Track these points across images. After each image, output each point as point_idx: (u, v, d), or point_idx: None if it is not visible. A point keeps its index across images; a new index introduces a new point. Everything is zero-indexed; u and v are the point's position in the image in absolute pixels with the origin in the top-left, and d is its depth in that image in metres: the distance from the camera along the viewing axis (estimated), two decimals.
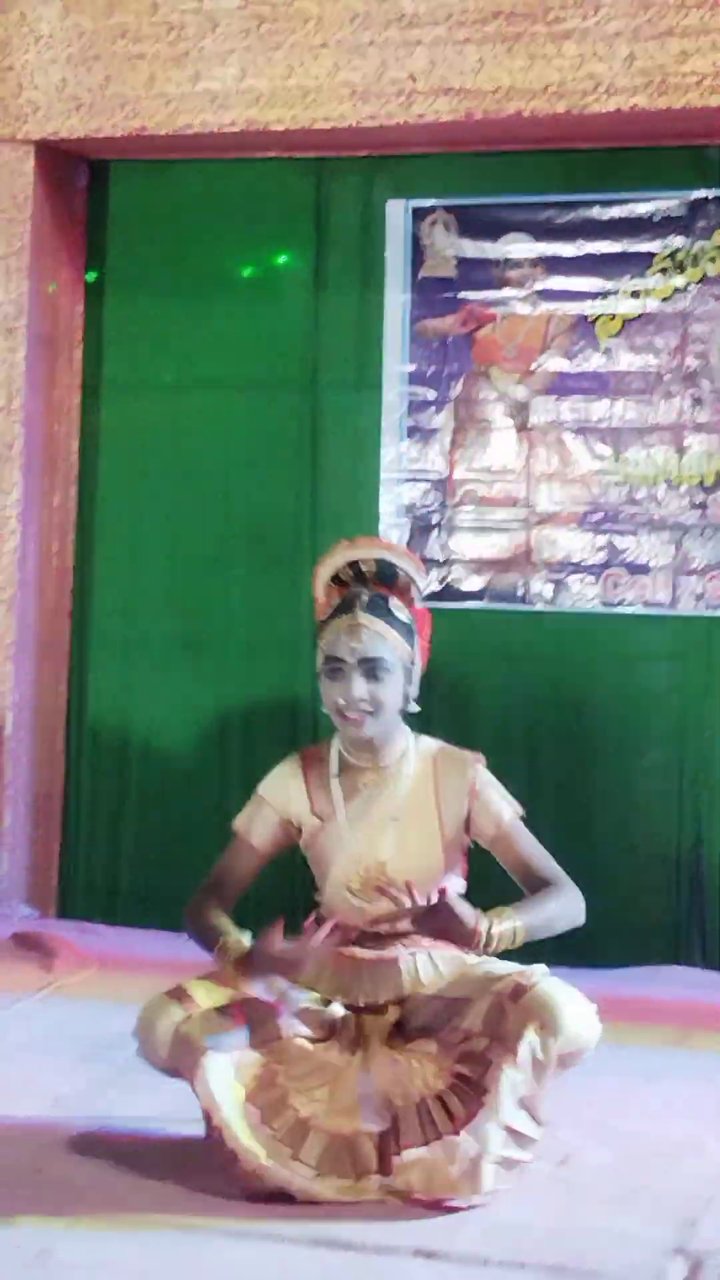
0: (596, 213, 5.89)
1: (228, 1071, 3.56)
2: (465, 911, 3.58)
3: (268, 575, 6.16)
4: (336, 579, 3.78)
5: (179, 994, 3.68)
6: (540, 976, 3.60)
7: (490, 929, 3.59)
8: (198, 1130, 3.87)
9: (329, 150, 6.13)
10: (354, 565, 3.76)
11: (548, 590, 5.91)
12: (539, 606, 5.93)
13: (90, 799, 6.38)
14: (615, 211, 5.87)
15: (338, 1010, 3.74)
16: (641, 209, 5.84)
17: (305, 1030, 3.68)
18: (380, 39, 5.79)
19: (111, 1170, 3.67)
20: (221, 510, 6.27)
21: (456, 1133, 3.47)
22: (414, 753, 3.78)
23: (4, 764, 6.18)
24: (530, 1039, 3.50)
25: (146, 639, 6.36)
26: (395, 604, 3.73)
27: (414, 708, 3.77)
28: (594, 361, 5.89)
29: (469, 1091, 3.52)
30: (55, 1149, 3.79)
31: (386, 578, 3.76)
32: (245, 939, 3.70)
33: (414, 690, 3.76)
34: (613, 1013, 5.05)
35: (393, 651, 3.68)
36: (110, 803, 6.36)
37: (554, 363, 5.92)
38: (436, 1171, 3.45)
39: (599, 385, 5.88)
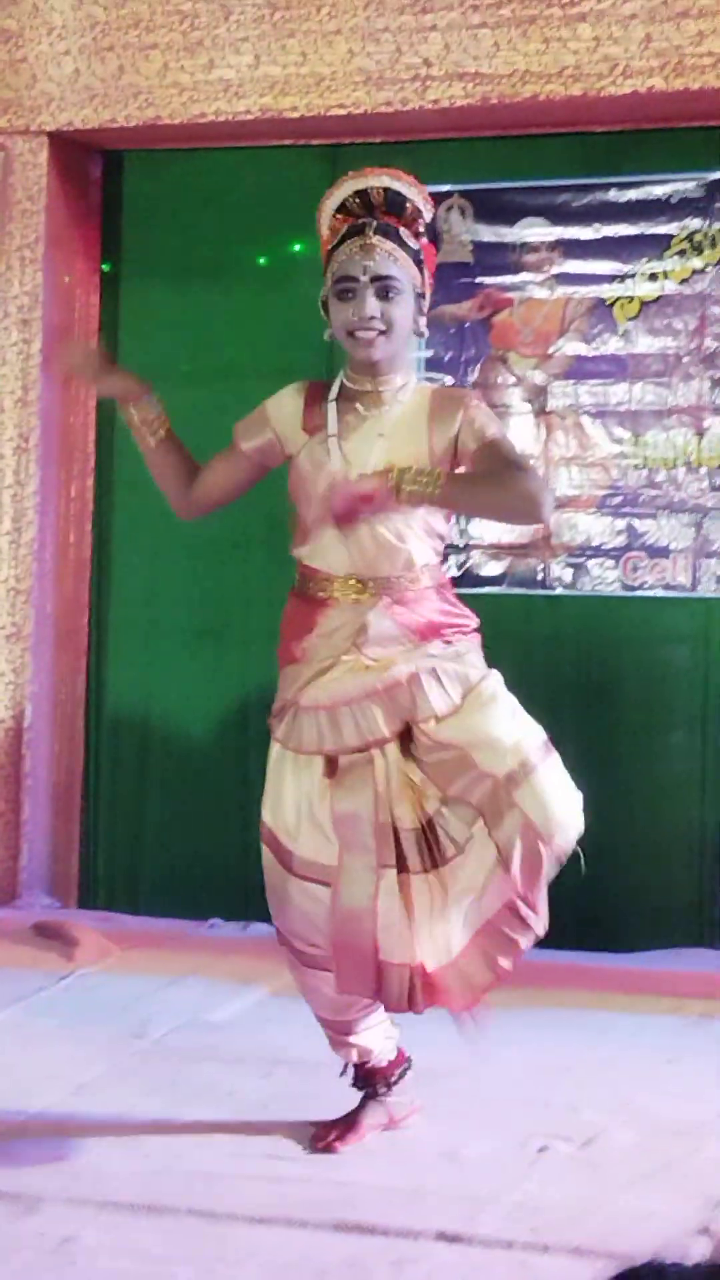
0: (613, 195, 5.87)
1: None
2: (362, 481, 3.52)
3: (285, 562, 6.06)
4: (343, 209, 3.67)
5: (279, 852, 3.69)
6: (536, 763, 3.54)
7: (400, 476, 3.49)
8: (219, 1115, 3.88)
9: (344, 137, 6.11)
10: (361, 194, 3.65)
11: (567, 574, 5.89)
12: (559, 591, 5.91)
13: (110, 789, 6.38)
14: (632, 194, 5.85)
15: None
16: (658, 191, 5.82)
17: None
18: (394, 24, 5.78)
19: (133, 1157, 3.67)
20: (239, 499, 6.24)
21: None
22: (413, 385, 3.71)
23: (23, 755, 6.17)
24: (519, 846, 3.49)
25: (165, 628, 6.36)
26: (404, 232, 3.64)
27: (423, 333, 3.72)
28: (612, 344, 5.86)
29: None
30: (78, 1136, 3.79)
31: (395, 207, 3.65)
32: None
33: (422, 320, 3.70)
34: (637, 994, 5.10)
35: (404, 272, 3.61)
36: (130, 792, 6.35)
37: (572, 346, 5.90)
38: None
39: (617, 368, 5.86)
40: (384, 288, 3.59)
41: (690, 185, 5.80)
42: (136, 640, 6.38)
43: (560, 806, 3.54)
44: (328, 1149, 3.67)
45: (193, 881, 6.19)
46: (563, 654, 5.94)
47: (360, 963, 3.54)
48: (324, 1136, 3.71)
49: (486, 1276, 3.07)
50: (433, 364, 6.00)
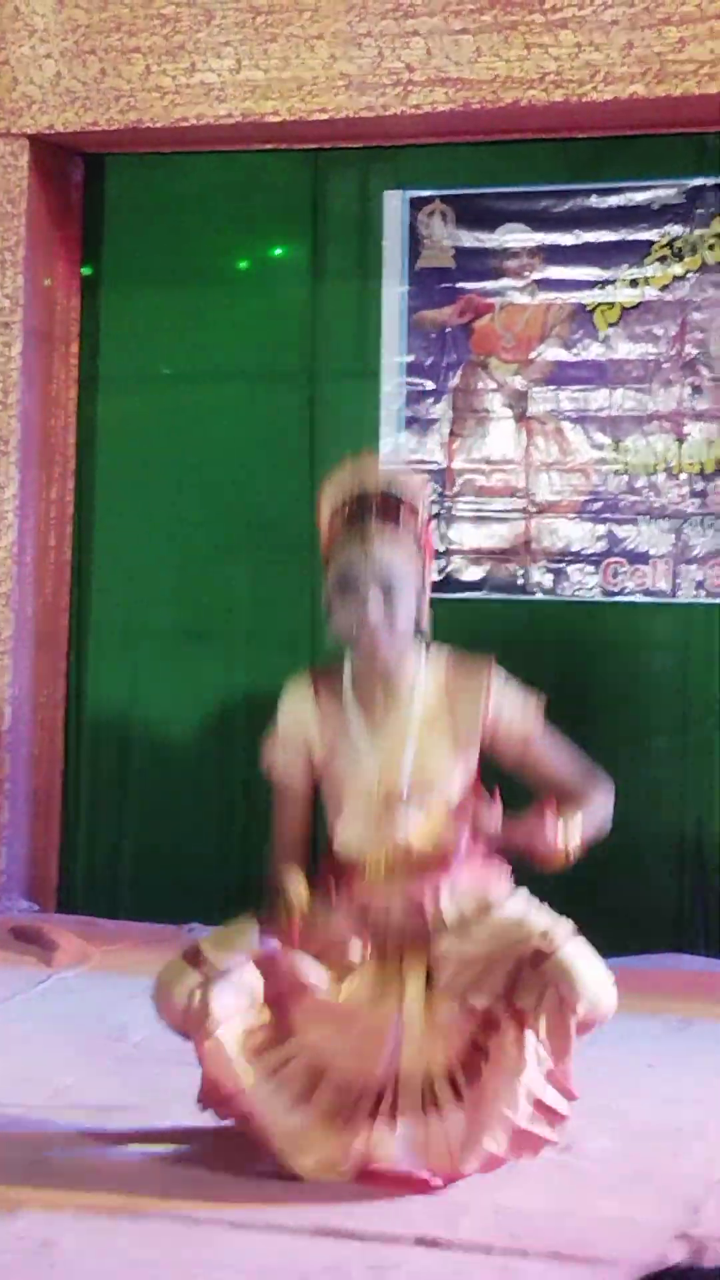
0: (594, 201, 5.88)
1: (235, 1037, 3.59)
2: (552, 828, 3.58)
3: (267, 567, 6.15)
4: (342, 511, 3.69)
5: (194, 957, 3.64)
6: (562, 941, 3.57)
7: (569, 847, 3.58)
8: (200, 1120, 3.88)
9: (326, 141, 6.12)
10: (359, 497, 3.67)
11: (548, 580, 5.90)
12: (539, 596, 5.92)
13: (90, 793, 6.37)
14: (613, 200, 5.86)
15: (356, 952, 3.67)
16: (640, 197, 5.83)
17: (322, 978, 3.64)
18: (376, 29, 5.78)
19: (113, 1160, 3.67)
20: (220, 502, 6.26)
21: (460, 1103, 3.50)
22: (424, 667, 3.70)
23: (3, 758, 6.17)
24: (546, 1012, 3.51)
25: (145, 632, 6.35)
26: (404, 529, 3.65)
27: (425, 627, 3.70)
28: (593, 350, 5.87)
29: (480, 1062, 3.53)
30: (57, 1139, 3.79)
31: (392, 506, 3.66)
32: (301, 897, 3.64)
33: (425, 611, 3.69)
34: (617, 1000, 5.09)
35: (405, 570, 3.62)
36: (110, 796, 6.35)
37: (552, 352, 5.91)
38: (432, 1143, 3.47)
39: (598, 374, 5.87)
40: (388, 588, 3.59)
41: (671, 192, 5.81)
42: (117, 644, 6.37)
43: (590, 977, 3.58)
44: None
45: (171, 885, 6.18)
46: (542, 660, 5.91)
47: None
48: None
49: None
50: (413, 369, 6.01)
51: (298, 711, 3.76)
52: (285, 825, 3.82)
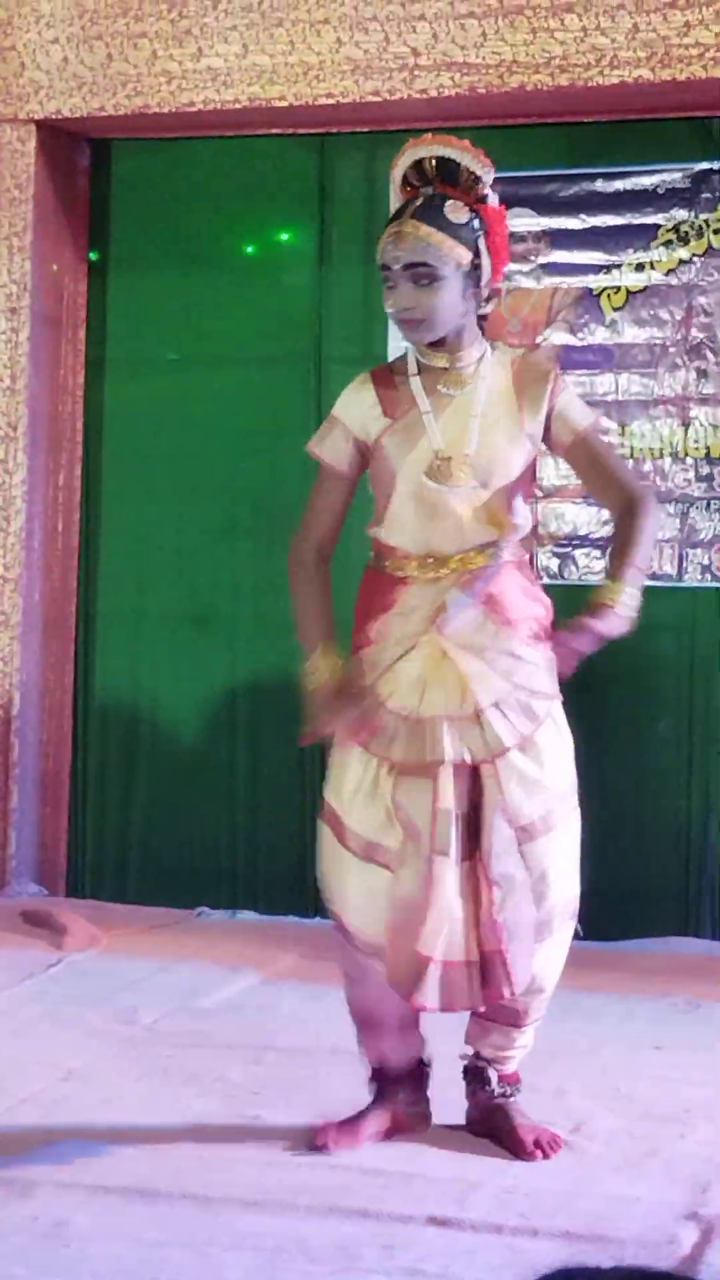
0: (600, 186, 5.89)
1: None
2: (605, 627, 3.57)
3: (273, 551, 6.09)
4: (406, 182, 3.61)
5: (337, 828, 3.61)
6: (554, 825, 3.57)
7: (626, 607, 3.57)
8: (210, 1103, 3.90)
9: (332, 126, 6.12)
10: (417, 165, 3.58)
11: (554, 564, 5.91)
12: (546, 580, 5.91)
13: (98, 777, 6.39)
14: (619, 184, 5.86)
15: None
16: (645, 181, 5.83)
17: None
18: (382, 14, 5.78)
19: (125, 1141, 3.68)
20: (227, 486, 6.27)
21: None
22: (491, 357, 3.65)
23: (12, 743, 6.19)
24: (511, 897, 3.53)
25: (153, 616, 6.36)
26: (452, 205, 3.54)
27: (487, 308, 3.66)
28: (599, 334, 5.88)
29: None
30: (69, 1122, 3.81)
31: (448, 176, 3.58)
32: (330, 666, 3.60)
33: (485, 291, 3.61)
34: (623, 982, 5.13)
35: (442, 256, 3.51)
36: (118, 780, 6.36)
37: (559, 336, 5.92)
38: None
39: (604, 358, 5.88)
40: (417, 274, 3.52)
41: (677, 176, 5.81)
42: (125, 628, 6.39)
43: (560, 873, 3.57)
44: (321, 1149, 3.61)
45: (181, 869, 6.21)
46: None
47: (408, 953, 3.49)
48: (322, 1137, 3.64)
49: (476, 1260, 3.09)
50: None
51: (356, 397, 3.66)
52: (318, 514, 3.71)
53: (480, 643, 3.57)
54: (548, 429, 3.64)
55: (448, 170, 3.58)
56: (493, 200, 3.63)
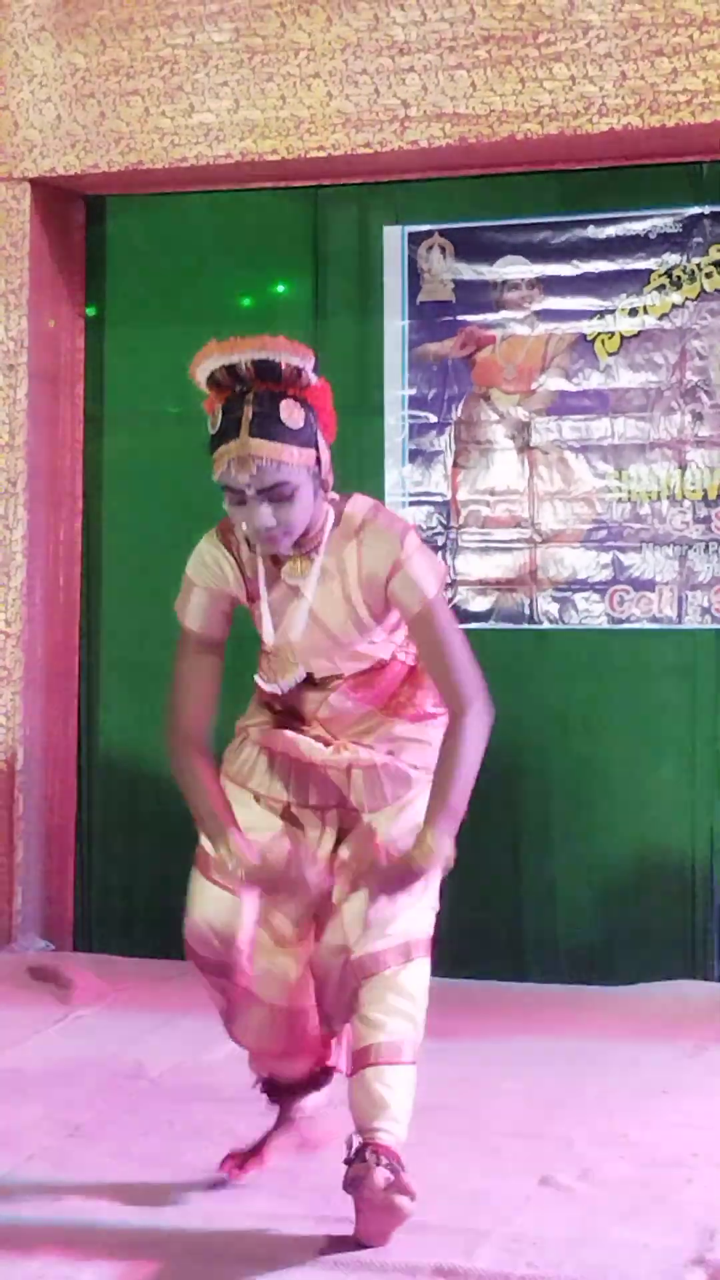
0: (592, 232, 5.92)
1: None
2: (414, 870, 3.46)
3: None
4: (214, 382, 3.44)
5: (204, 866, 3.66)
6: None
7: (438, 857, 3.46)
8: (217, 1156, 3.89)
9: (324, 179, 6.16)
10: (229, 368, 3.40)
11: (554, 609, 5.92)
12: (546, 625, 5.94)
13: (103, 830, 6.39)
14: (611, 230, 5.89)
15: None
16: (637, 227, 5.86)
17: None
18: (372, 67, 5.83)
19: (131, 1197, 3.68)
20: None
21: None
22: (330, 524, 3.51)
23: (16, 798, 6.19)
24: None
25: (155, 669, 6.30)
26: (286, 407, 3.40)
27: (328, 487, 3.50)
28: (594, 380, 5.90)
29: None
30: (75, 1177, 3.80)
31: (267, 374, 3.41)
32: (232, 850, 3.55)
33: (328, 476, 3.49)
34: (628, 1026, 5.12)
35: (294, 470, 3.39)
36: (123, 833, 6.36)
37: (554, 382, 5.94)
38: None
39: (599, 403, 5.90)
40: (273, 494, 3.40)
41: (668, 221, 5.84)
42: (127, 681, 6.40)
43: (377, 927, 3.53)
44: (230, 1174, 3.69)
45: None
46: (550, 688, 5.96)
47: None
48: (225, 1166, 3.72)
49: None
50: (415, 402, 6.04)
51: (214, 560, 3.60)
52: (187, 692, 3.69)
53: (361, 729, 3.64)
54: (387, 592, 3.51)
55: (266, 369, 3.41)
56: (313, 379, 3.47)
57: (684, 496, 5.80)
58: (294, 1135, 3.78)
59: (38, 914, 6.24)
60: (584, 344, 5.92)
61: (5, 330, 6.25)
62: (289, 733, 3.67)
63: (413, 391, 6.07)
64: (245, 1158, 3.74)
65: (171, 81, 6.03)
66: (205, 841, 3.64)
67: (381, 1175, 3.33)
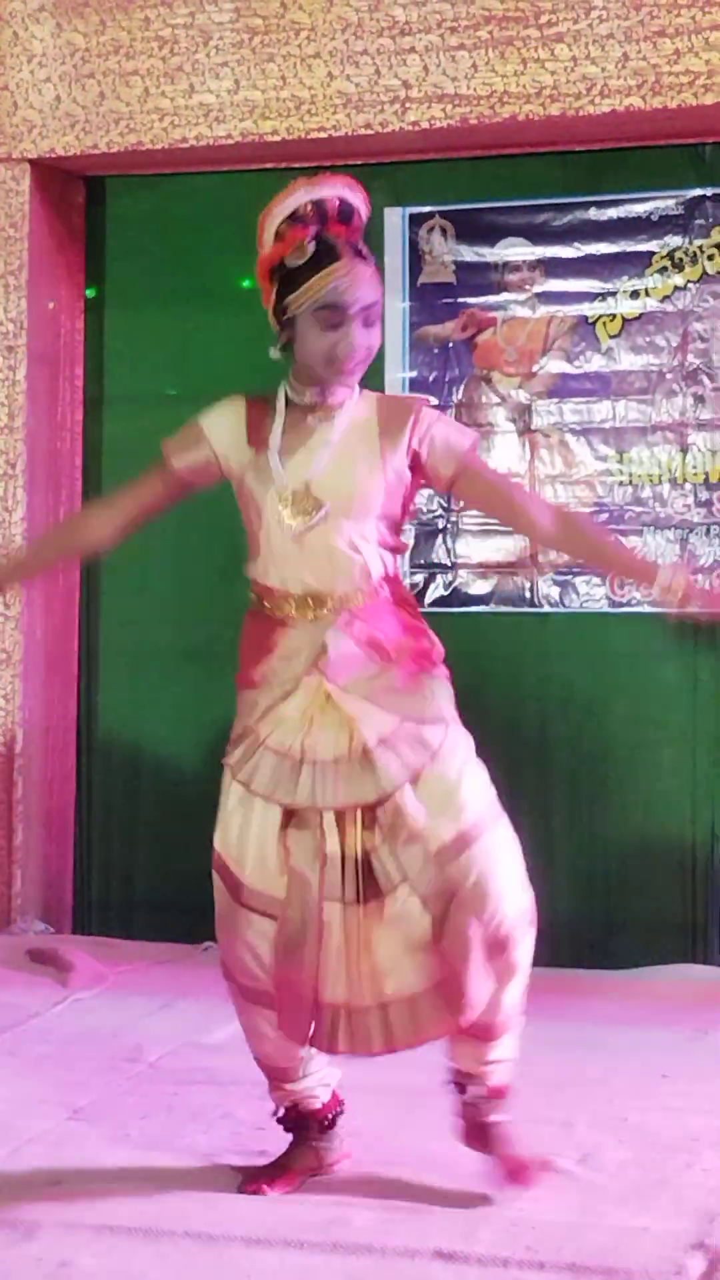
0: (594, 214, 5.90)
1: None
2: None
3: None
4: (296, 218, 3.52)
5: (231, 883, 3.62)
6: (478, 835, 3.48)
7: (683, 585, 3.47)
8: (216, 1140, 3.88)
9: (325, 160, 6.10)
10: (316, 204, 3.51)
11: (554, 592, 5.91)
12: (546, 608, 5.93)
13: (102, 813, 6.39)
14: (612, 212, 5.88)
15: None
16: (639, 209, 5.85)
17: None
18: (373, 47, 5.80)
19: (130, 1181, 3.67)
20: (226, 521, 6.23)
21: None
22: (357, 394, 3.60)
23: (15, 781, 6.18)
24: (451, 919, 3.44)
25: (155, 652, 6.37)
26: (363, 247, 3.56)
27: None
28: (595, 362, 5.89)
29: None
30: (74, 1161, 3.80)
31: (346, 217, 3.54)
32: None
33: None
34: (629, 1011, 5.12)
35: (380, 295, 3.56)
36: (122, 816, 6.36)
37: (555, 365, 5.93)
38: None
39: (601, 386, 5.88)
40: (369, 315, 3.51)
41: (670, 203, 5.82)
42: (126, 664, 6.39)
43: (500, 881, 3.47)
44: (257, 1193, 3.59)
45: (186, 905, 6.16)
46: (551, 671, 5.95)
47: (299, 1001, 3.50)
48: (254, 1181, 3.62)
49: None
50: (416, 384, 6.03)
51: (226, 419, 3.66)
52: (129, 495, 3.75)
53: (364, 682, 3.53)
54: (420, 463, 3.56)
55: (347, 213, 3.54)
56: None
57: (685, 480, 5.78)
58: (312, 1157, 3.69)
59: (37, 897, 6.24)
60: (585, 326, 5.91)
61: (4, 312, 6.23)
62: (296, 707, 3.54)
63: (414, 374, 6.05)
64: (272, 1177, 3.63)
65: (171, 62, 6.01)
66: (221, 848, 3.64)
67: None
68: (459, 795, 3.51)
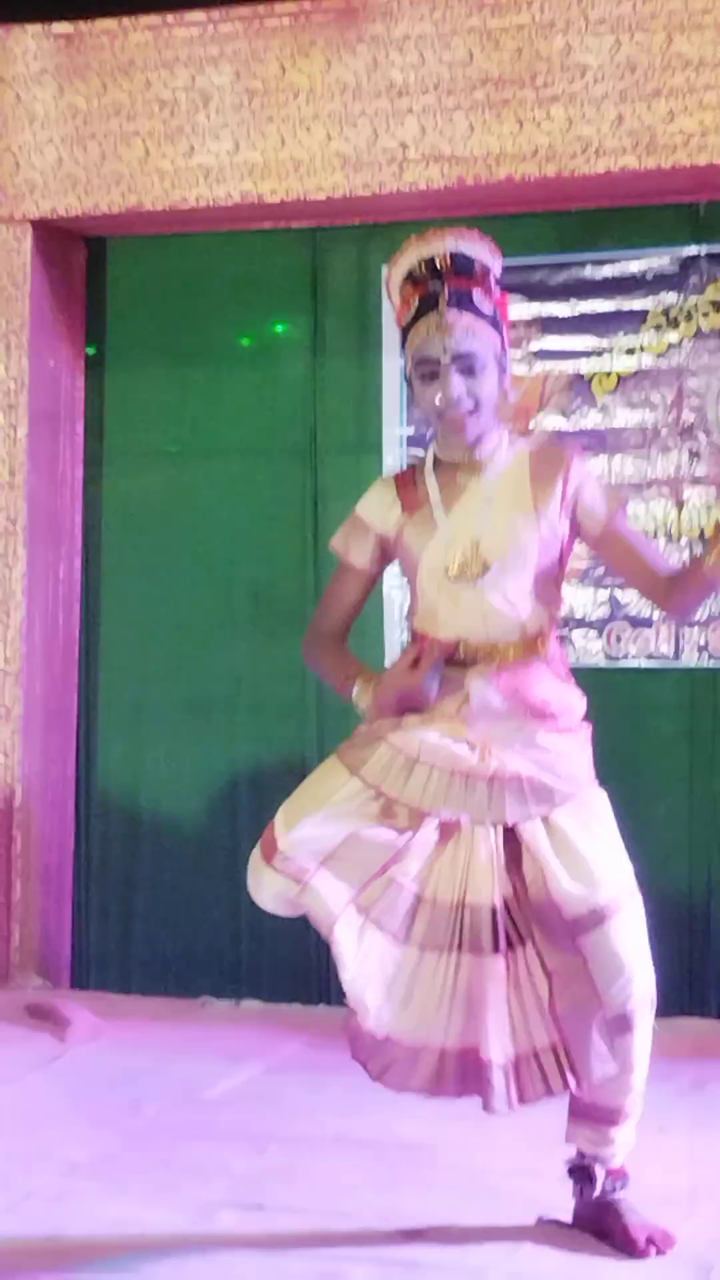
0: (589, 272, 5.95)
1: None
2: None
3: (272, 640, 6.18)
4: (411, 278, 3.59)
5: (270, 851, 3.53)
6: (613, 911, 3.48)
7: None
8: (214, 1195, 3.88)
9: (324, 220, 6.19)
10: (428, 261, 3.57)
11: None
12: None
13: (100, 868, 6.39)
14: (608, 270, 5.92)
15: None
16: (634, 267, 5.89)
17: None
18: (371, 109, 5.87)
19: (127, 1236, 3.67)
20: (225, 577, 6.30)
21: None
22: (509, 445, 3.63)
23: (14, 836, 6.19)
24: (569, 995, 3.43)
25: (153, 707, 6.38)
26: (478, 295, 3.56)
27: (512, 397, 3.64)
28: (591, 418, 5.93)
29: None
30: (72, 1216, 3.80)
31: (463, 269, 3.58)
32: (365, 686, 3.57)
33: (508, 380, 3.61)
34: None
35: (484, 345, 3.52)
36: (120, 871, 6.36)
37: (551, 421, 5.96)
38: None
39: (597, 442, 5.91)
40: (467, 366, 3.51)
41: (665, 261, 5.87)
42: (126, 720, 6.40)
43: (632, 959, 3.48)
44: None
45: (184, 960, 6.19)
46: None
47: (440, 1058, 3.45)
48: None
49: None
50: (414, 441, 6.06)
51: (377, 495, 3.68)
52: (335, 597, 3.73)
53: (503, 734, 3.52)
54: (574, 518, 3.60)
55: (461, 264, 3.58)
56: (496, 283, 3.66)
57: (680, 535, 5.81)
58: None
59: (35, 952, 6.23)
60: (581, 383, 5.95)
61: (6, 370, 6.28)
62: (433, 734, 3.52)
63: (411, 431, 6.08)
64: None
65: (171, 123, 6.07)
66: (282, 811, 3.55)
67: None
68: (599, 865, 3.55)
